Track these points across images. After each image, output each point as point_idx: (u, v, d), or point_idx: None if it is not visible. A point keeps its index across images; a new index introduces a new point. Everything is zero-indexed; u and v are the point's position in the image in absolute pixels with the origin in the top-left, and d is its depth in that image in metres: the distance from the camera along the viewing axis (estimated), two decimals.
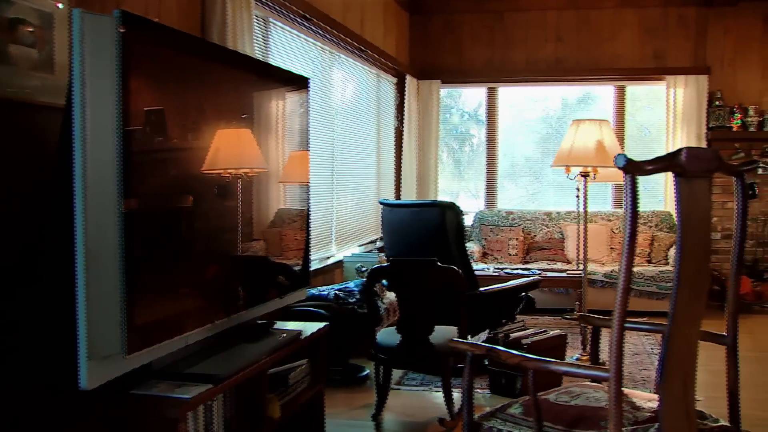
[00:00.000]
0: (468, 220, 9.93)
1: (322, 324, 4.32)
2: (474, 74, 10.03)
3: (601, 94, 10.34)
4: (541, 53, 9.84)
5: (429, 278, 4.62)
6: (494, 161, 10.42)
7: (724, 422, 2.70)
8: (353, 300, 5.63)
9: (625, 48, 9.64)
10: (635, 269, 8.52)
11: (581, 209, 6.46)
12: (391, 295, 6.25)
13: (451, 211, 5.25)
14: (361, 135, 8.13)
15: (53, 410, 2.85)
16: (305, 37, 6.42)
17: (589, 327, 3.53)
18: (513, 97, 10.54)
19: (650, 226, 9.31)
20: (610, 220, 9.45)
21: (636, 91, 10.18)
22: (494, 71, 9.97)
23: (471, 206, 10.51)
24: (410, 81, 9.44)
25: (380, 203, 5.65)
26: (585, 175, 6.33)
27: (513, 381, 5.29)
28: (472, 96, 10.87)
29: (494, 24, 9.93)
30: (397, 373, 5.78)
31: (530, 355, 2.57)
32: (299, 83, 4.47)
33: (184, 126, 3.25)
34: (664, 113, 9.55)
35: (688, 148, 2.21)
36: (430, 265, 4.59)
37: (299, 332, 4.03)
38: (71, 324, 2.56)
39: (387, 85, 9.15)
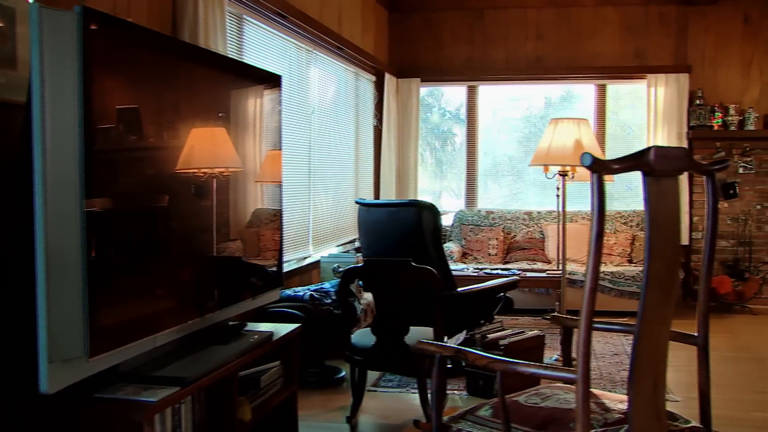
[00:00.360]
0: (449, 220, 9.91)
1: (295, 325, 4.28)
2: (454, 72, 9.99)
3: (583, 92, 10.33)
4: (521, 51, 9.82)
5: (404, 279, 4.58)
6: (474, 161, 10.39)
7: (695, 423, 2.67)
8: (329, 301, 5.59)
9: (605, 46, 9.63)
10: (616, 269, 8.52)
11: (561, 209, 6.44)
12: (368, 296, 6.20)
13: (428, 211, 5.21)
14: (339, 134, 8.07)
15: (12, 415, 2.79)
16: (281, 34, 6.36)
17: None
18: (494, 95, 10.51)
19: (631, 226, 9.31)
20: (590, 220, 9.38)
21: (619, 89, 10.18)
22: (474, 69, 9.94)
23: (453, 206, 10.49)
24: (389, 79, 9.39)
25: (357, 203, 5.61)
26: (563, 174, 6.30)
27: (491, 382, 5.26)
28: (454, 95, 10.83)
29: (474, 22, 9.90)
30: (374, 375, 5.75)
31: (497, 357, 2.53)
32: (271, 81, 4.42)
33: (150, 124, 3.19)
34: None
35: (657, 147, 2.18)
36: (405, 266, 4.55)
37: (271, 333, 3.99)
38: (31, 326, 2.51)
39: (365, 83, 9.09)
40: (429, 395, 4.66)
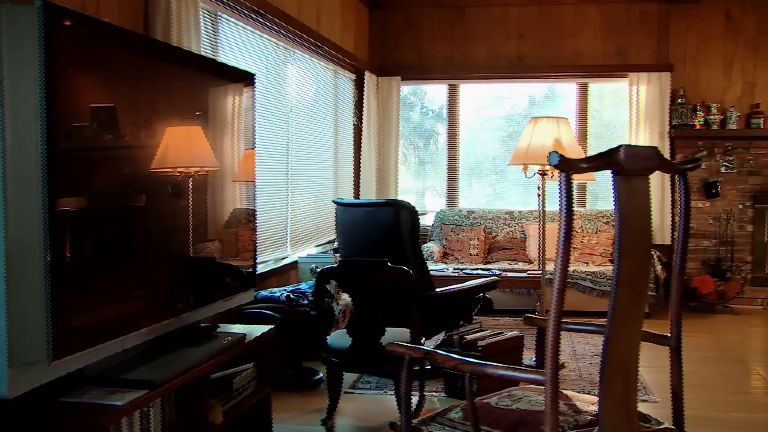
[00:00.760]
0: (430, 220, 9.87)
1: (269, 327, 4.23)
2: (434, 71, 9.95)
3: (566, 91, 10.30)
4: (503, 50, 9.78)
5: (380, 279, 4.53)
6: (455, 160, 10.33)
7: (667, 425, 2.64)
8: (306, 302, 5.53)
9: (587, 44, 9.61)
10: (598, 269, 8.50)
11: (541, 208, 6.41)
12: (347, 297, 6.15)
13: (406, 210, 5.16)
14: (318, 133, 8.00)
15: None
16: (258, 32, 6.29)
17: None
18: (476, 94, 10.47)
19: (613, 225, 9.29)
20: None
21: (602, 88, 10.17)
22: (455, 67, 9.90)
23: (437, 205, 10.45)
24: (369, 77, 9.33)
25: (334, 202, 5.56)
26: (543, 173, 6.27)
27: (469, 384, 5.20)
28: (437, 94, 10.78)
29: (455, 19, 9.86)
30: (352, 377, 5.70)
31: (466, 359, 2.50)
32: (245, 79, 4.37)
33: (120, 123, 3.14)
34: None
35: (627, 146, 2.15)
36: (381, 266, 4.51)
37: (244, 335, 3.94)
38: None
39: (345, 81, 9.03)
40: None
